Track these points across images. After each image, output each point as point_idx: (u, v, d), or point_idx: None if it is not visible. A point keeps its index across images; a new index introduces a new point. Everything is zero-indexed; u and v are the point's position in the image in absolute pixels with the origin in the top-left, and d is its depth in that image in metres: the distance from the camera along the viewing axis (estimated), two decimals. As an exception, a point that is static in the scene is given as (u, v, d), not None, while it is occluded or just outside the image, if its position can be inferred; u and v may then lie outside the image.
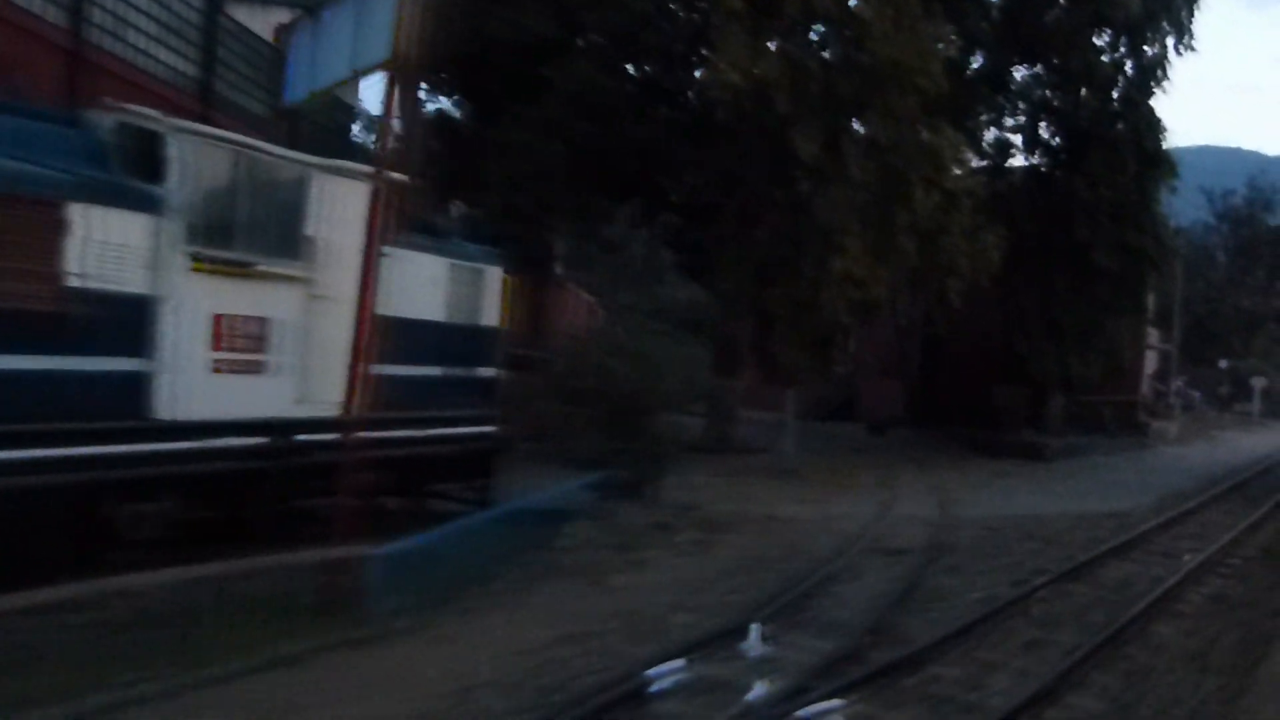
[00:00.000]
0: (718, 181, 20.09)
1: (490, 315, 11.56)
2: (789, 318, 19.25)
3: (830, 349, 20.30)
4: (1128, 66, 25.77)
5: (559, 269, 45.58)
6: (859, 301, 18.40)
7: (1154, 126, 25.25)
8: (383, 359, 9.13)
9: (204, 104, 14.49)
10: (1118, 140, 24.61)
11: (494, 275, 11.66)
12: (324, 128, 18.16)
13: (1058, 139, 26.76)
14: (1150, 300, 42.54)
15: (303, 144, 10.40)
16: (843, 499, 17.65)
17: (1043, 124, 27.45)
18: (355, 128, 25.48)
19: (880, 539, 13.57)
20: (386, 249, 9.19)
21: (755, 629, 8.13)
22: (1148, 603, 10.13)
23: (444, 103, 25.52)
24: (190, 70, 14.92)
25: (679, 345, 17.83)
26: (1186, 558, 13.01)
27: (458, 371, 11.06)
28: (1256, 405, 53.94)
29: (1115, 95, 25.70)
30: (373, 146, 13.07)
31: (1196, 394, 53.19)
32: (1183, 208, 75.33)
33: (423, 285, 10.46)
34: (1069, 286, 25.43)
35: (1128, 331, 27.12)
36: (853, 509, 16.26)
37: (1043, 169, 27.09)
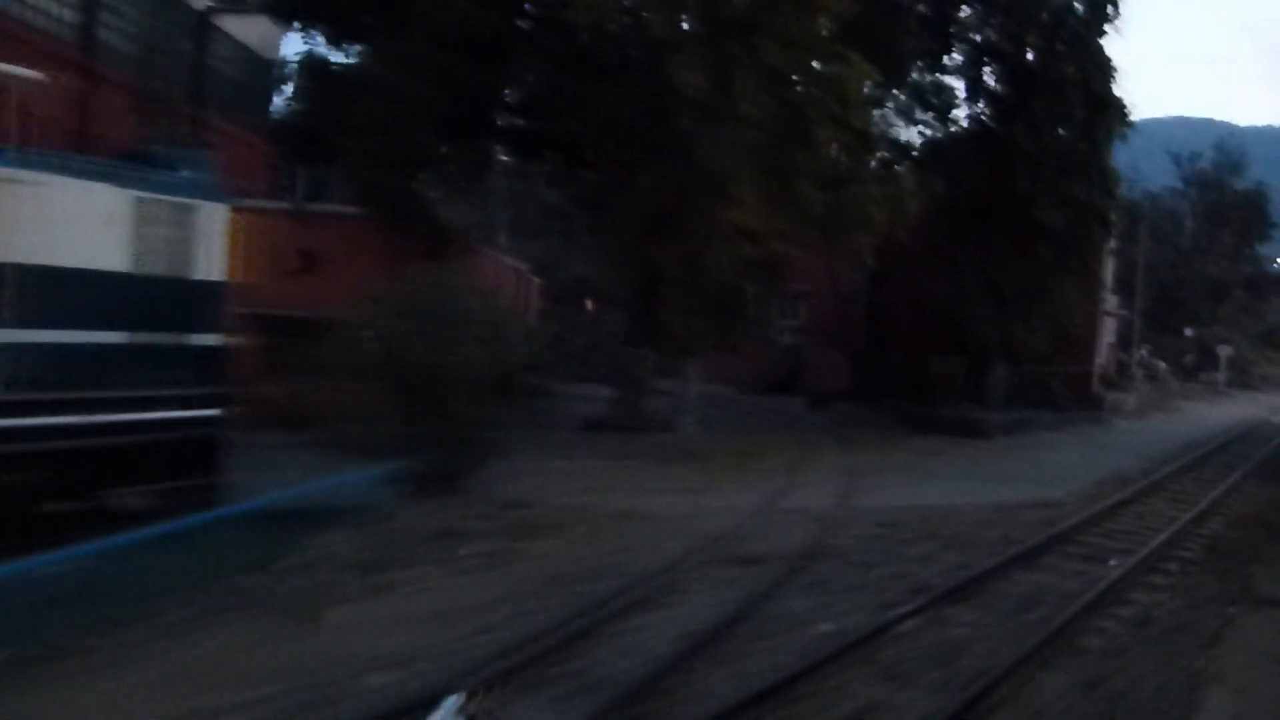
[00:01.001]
0: (600, 124, 17.44)
1: (209, 266, 8.90)
2: (675, 278, 16.68)
3: (728, 315, 17.71)
4: (1076, 2, 23.27)
5: (492, 236, 42.85)
6: (754, 260, 15.83)
7: (1104, 68, 22.77)
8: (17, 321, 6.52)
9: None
10: (1064, 83, 22.10)
11: (213, 214, 8.96)
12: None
13: (1002, 85, 24.21)
14: (1110, 264, 40.34)
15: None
16: (732, 487, 15.19)
17: (987, 69, 24.93)
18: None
19: (743, 542, 11.11)
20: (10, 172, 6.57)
21: (450, 703, 5.62)
22: (1045, 635, 7.70)
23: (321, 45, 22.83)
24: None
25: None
26: (1113, 563, 10.62)
27: (158, 338, 8.41)
28: (1222, 375, 52.02)
29: (1063, 34, 23.18)
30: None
31: (1161, 364, 51.16)
32: (1151, 173, 73.32)
33: (89, 224, 7.79)
34: (1010, 246, 23.02)
35: (1077, 296, 24.70)
36: (735, 500, 13.79)
37: (985, 117, 24.57)
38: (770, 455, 19.46)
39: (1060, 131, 22.42)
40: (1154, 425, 29.62)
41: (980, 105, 24.96)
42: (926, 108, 26.03)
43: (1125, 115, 23.96)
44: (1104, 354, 36.78)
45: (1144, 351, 52.24)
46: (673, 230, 16.26)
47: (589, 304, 46.30)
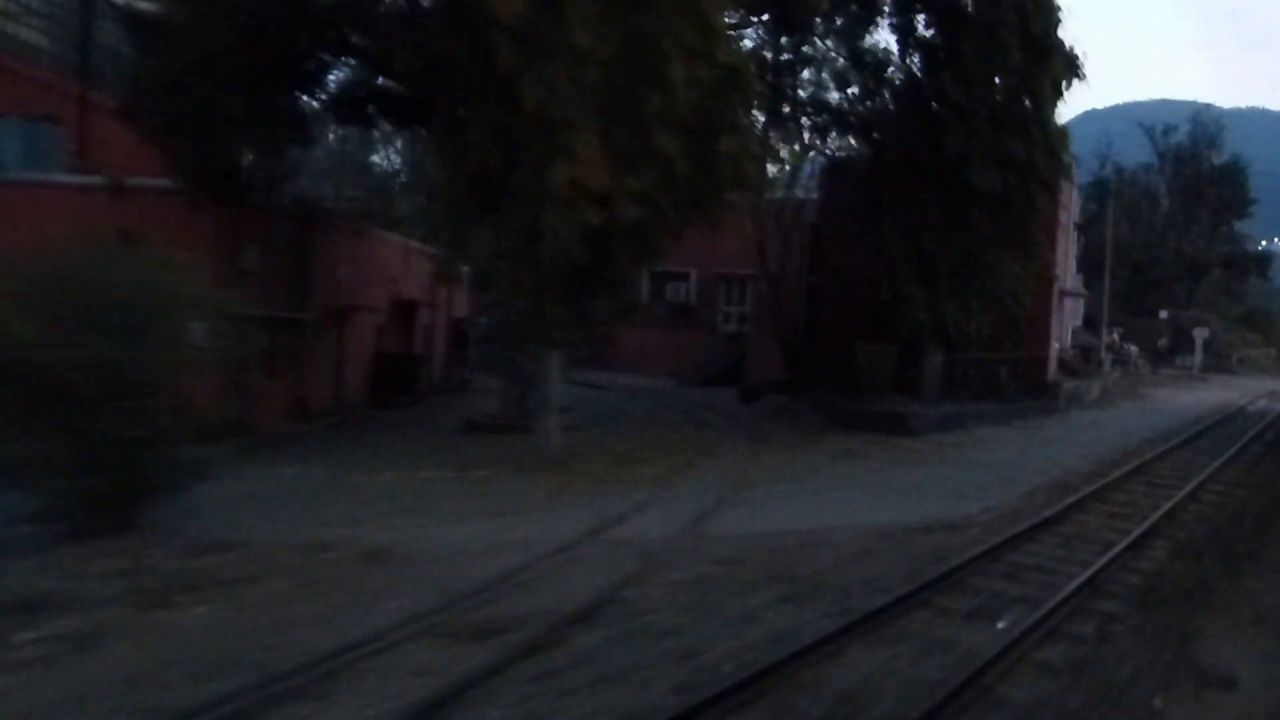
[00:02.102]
0: (423, 70, 14.43)
1: None
2: (512, 252, 13.71)
3: (581, 297, 14.71)
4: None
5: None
6: (601, 228, 12.85)
7: (1045, 8, 19.79)
8: None
9: None
10: (998, 24, 19.12)
11: None
12: None
13: (932, 31, 21.24)
14: (1074, 239, 37.50)
15: None
16: (571, 507, 12.26)
17: (920, 16, 21.94)
18: None
19: (509, 595, 8.17)
20: None
21: None
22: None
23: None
24: None
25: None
26: (1003, 624, 7.71)
27: None
28: (1197, 359, 49.34)
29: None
30: None
31: (1132, 347, 48.44)
32: (1132, 155, 70.65)
33: None
34: (941, 216, 20.09)
35: (1023, 272, 21.80)
36: (556, 527, 10.85)
37: (915, 69, 21.61)
38: (654, 461, 16.57)
39: (996, 81, 19.42)
40: (1116, 416, 26.80)
41: (912, 57, 21.97)
42: (861, 67, 23.13)
43: (1074, 64, 21.01)
44: (1065, 338, 33.97)
45: (1114, 335, 49.54)
46: (506, 195, 13.24)
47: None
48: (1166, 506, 12.75)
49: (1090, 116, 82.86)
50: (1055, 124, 20.74)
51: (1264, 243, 75.28)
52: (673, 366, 40.73)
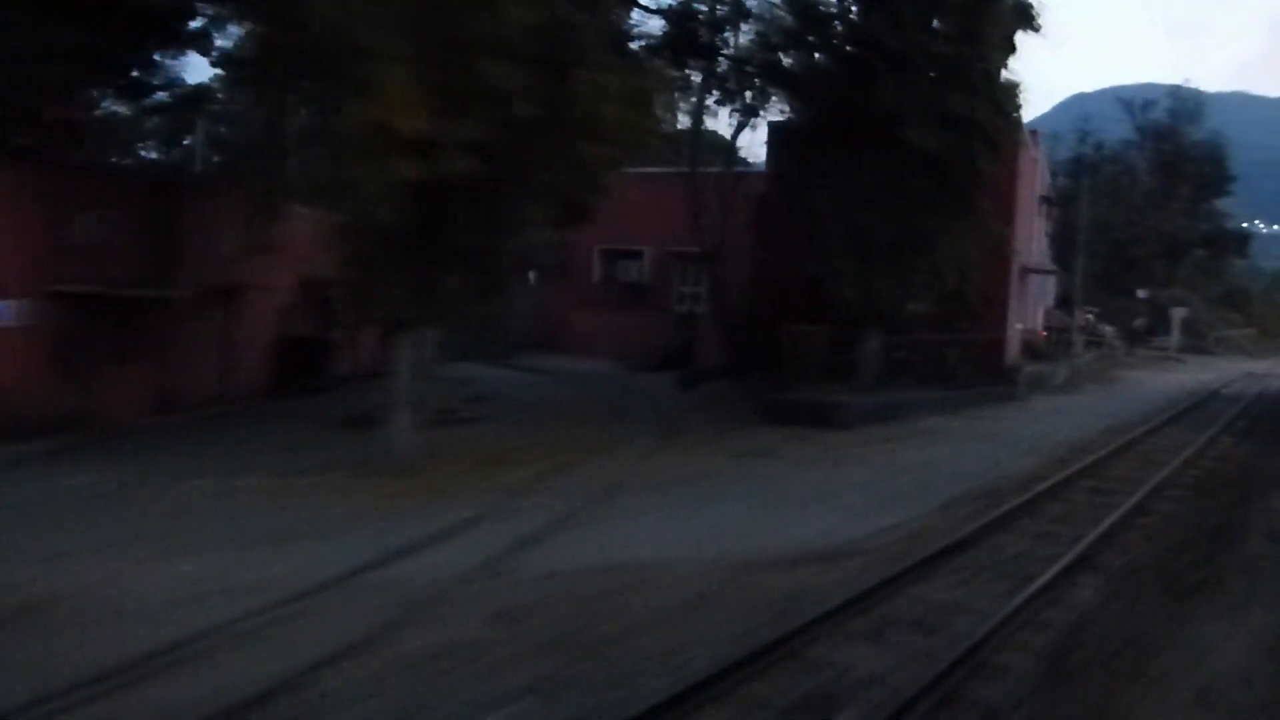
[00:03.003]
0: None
1: None
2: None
3: (421, 270, 12.20)
4: None
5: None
6: (429, 186, 10.41)
7: (990, -60, 17.35)
8: None
9: None
10: (936, -43, 16.70)
11: None
12: None
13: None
14: (1042, 213, 35.06)
15: None
16: (364, 531, 9.86)
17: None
18: None
19: (150, 681, 5.79)
20: None
21: None
22: None
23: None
24: None
25: None
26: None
27: None
28: (1174, 339, 47.18)
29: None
30: None
31: (1108, 328, 46.22)
32: (1111, 130, 68.24)
33: None
34: (876, 180, 17.65)
35: (974, 245, 19.40)
36: (311, 564, 8.46)
37: (851, 13, 19.12)
38: (527, 463, 14.20)
39: (935, 26, 16.98)
40: (1080, 403, 24.54)
41: (850, 2, 19.49)
42: (804, 20, 20.62)
43: (1028, 13, 18.60)
44: (1033, 318, 31.69)
45: (1090, 315, 47.32)
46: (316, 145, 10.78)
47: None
48: (1109, 522, 10.44)
49: (1078, 99, 79.98)
50: (1003, 78, 18.32)
51: (1245, 224, 73.17)
52: (625, 350, 38.36)
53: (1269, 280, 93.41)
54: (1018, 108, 19.61)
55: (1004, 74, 18.81)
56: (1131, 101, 65.45)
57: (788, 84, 19.21)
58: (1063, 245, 47.48)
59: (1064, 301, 43.73)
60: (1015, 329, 27.25)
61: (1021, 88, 19.07)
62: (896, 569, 8.37)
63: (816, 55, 19.23)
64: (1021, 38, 18.74)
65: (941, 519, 10.80)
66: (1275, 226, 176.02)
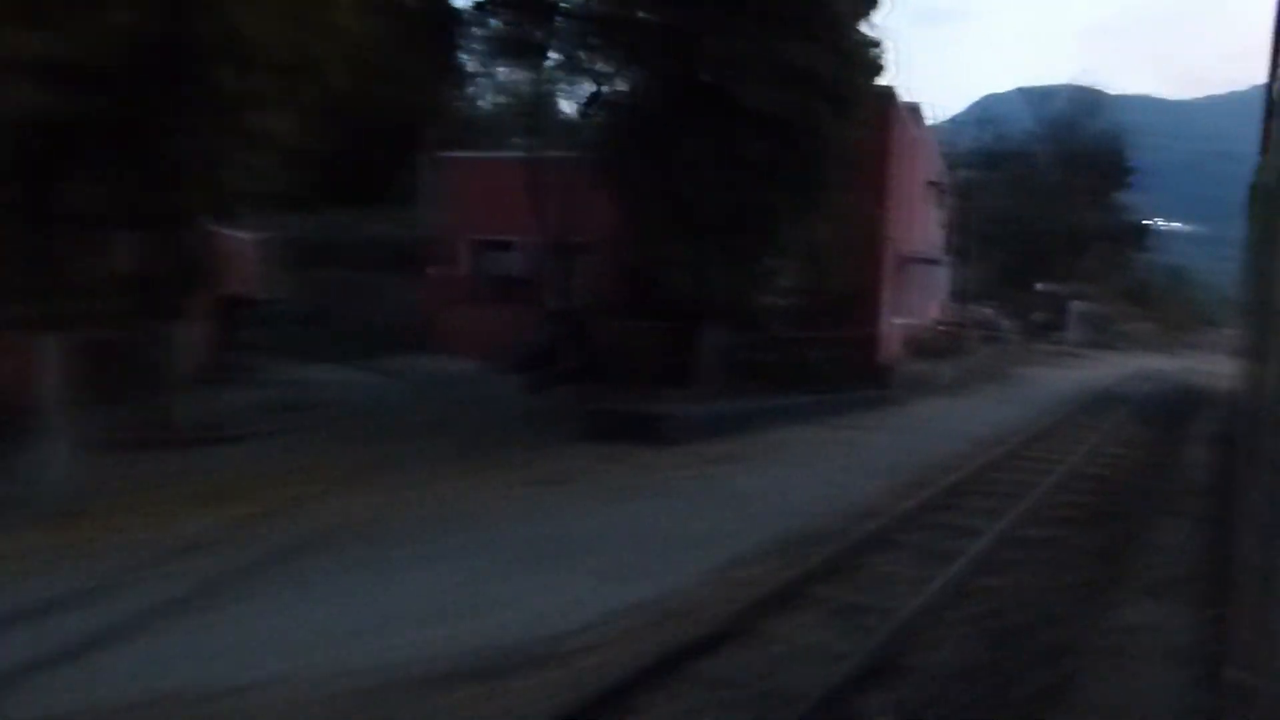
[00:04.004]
0: None
1: None
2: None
3: (29, 248, 8.94)
4: None
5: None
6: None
7: None
8: None
9: None
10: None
11: None
12: None
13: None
14: (935, 200, 32.82)
15: None
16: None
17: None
18: None
19: None
20: None
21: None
22: None
23: None
24: None
25: None
26: None
27: None
28: (1071, 333, 45.70)
29: None
30: None
31: (1006, 322, 44.50)
32: (1013, 121, 67.15)
33: None
34: (706, 148, 14.84)
35: (828, 226, 16.76)
36: None
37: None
38: (256, 497, 11.15)
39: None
40: (962, 406, 22.19)
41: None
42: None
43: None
44: (921, 312, 29.39)
45: (990, 309, 45.61)
46: None
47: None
48: (941, 582, 7.71)
49: (990, 99, 78.75)
50: (854, 27, 15.66)
51: (1147, 220, 72.69)
52: (495, 349, 35.14)
53: (1170, 275, 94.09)
54: (877, 68, 16.99)
55: (862, 28, 16.20)
56: (1034, 93, 64.47)
57: (607, 37, 16.30)
58: (969, 238, 45.78)
59: (967, 296, 41.94)
60: (895, 324, 24.85)
61: (883, 46, 16.46)
62: (610, 682, 5.49)
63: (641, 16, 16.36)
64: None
65: (721, 586, 7.97)
66: (1177, 224, 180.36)
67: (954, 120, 55.82)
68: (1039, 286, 51.77)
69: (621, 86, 16.16)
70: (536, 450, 14.85)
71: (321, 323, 36.59)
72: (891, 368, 22.15)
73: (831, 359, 19.74)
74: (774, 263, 16.45)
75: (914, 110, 26.64)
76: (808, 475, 13.05)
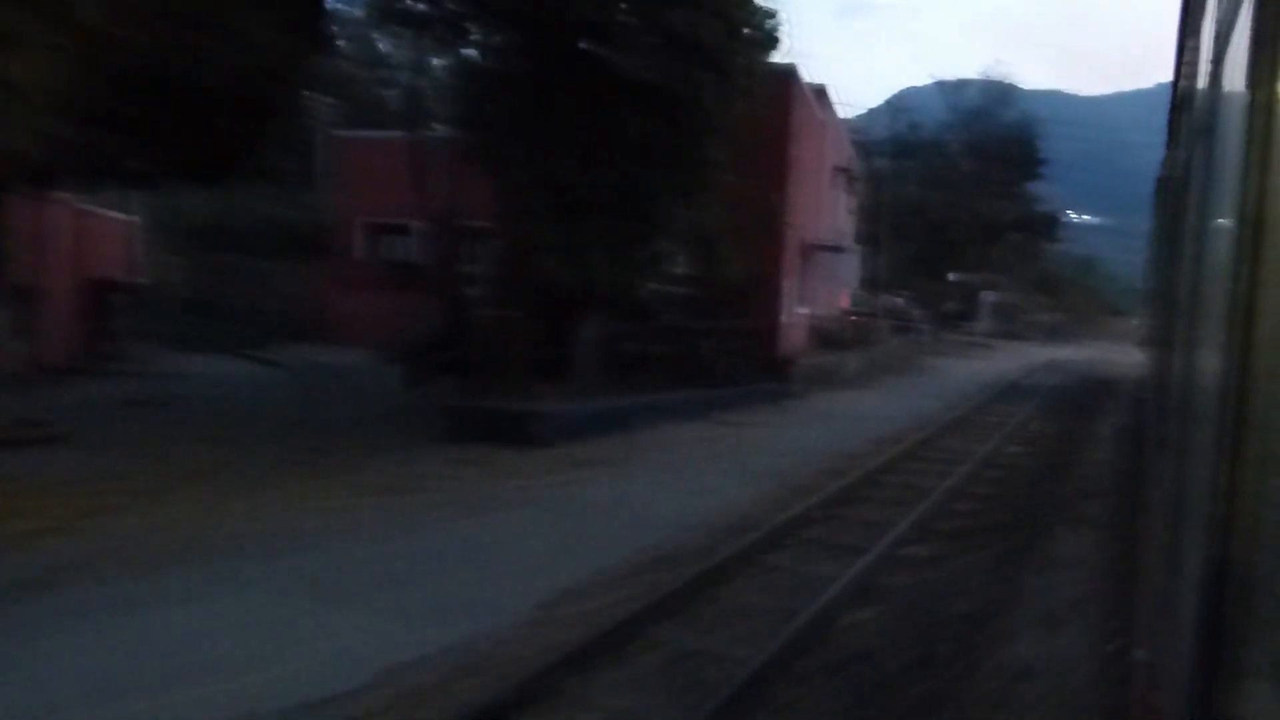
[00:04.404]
0: None
1: None
2: None
3: None
4: None
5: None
6: None
7: None
8: None
9: None
10: None
11: None
12: None
13: None
14: (844, 186, 31.97)
15: None
16: None
17: None
18: None
19: None
20: None
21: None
22: None
23: None
24: None
25: None
26: None
27: None
28: (982, 323, 45.53)
29: None
30: None
31: (918, 312, 44.10)
32: (930, 114, 67.08)
33: None
34: (581, 122, 13.49)
35: (714, 209, 15.55)
36: None
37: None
38: (35, 515, 9.39)
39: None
40: (865, 400, 21.25)
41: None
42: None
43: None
44: (824, 302, 28.49)
45: (901, 299, 45.18)
46: None
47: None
48: (794, 627, 6.50)
49: (908, 93, 78.64)
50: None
51: (1058, 212, 73.38)
52: (390, 338, 33.32)
53: (1079, 265, 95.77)
54: (772, 41, 15.81)
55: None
56: (948, 85, 64.48)
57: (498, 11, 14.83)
58: (882, 227, 45.24)
59: (878, 285, 41.37)
60: (798, 314, 23.86)
61: (779, 18, 15.28)
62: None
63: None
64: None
65: (544, 627, 6.67)
66: (1088, 216, 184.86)
67: (871, 112, 55.32)
68: (952, 276, 51.61)
69: (495, 56, 14.67)
70: (391, 453, 13.39)
71: (210, 310, 34.46)
72: (793, 360, 21.12)
73: (727, 351, 18.60)
74: (661, 248, 15.21)
75: (820, 93, 25.65)
76: (683, 480, 11.83)
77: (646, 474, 12.19)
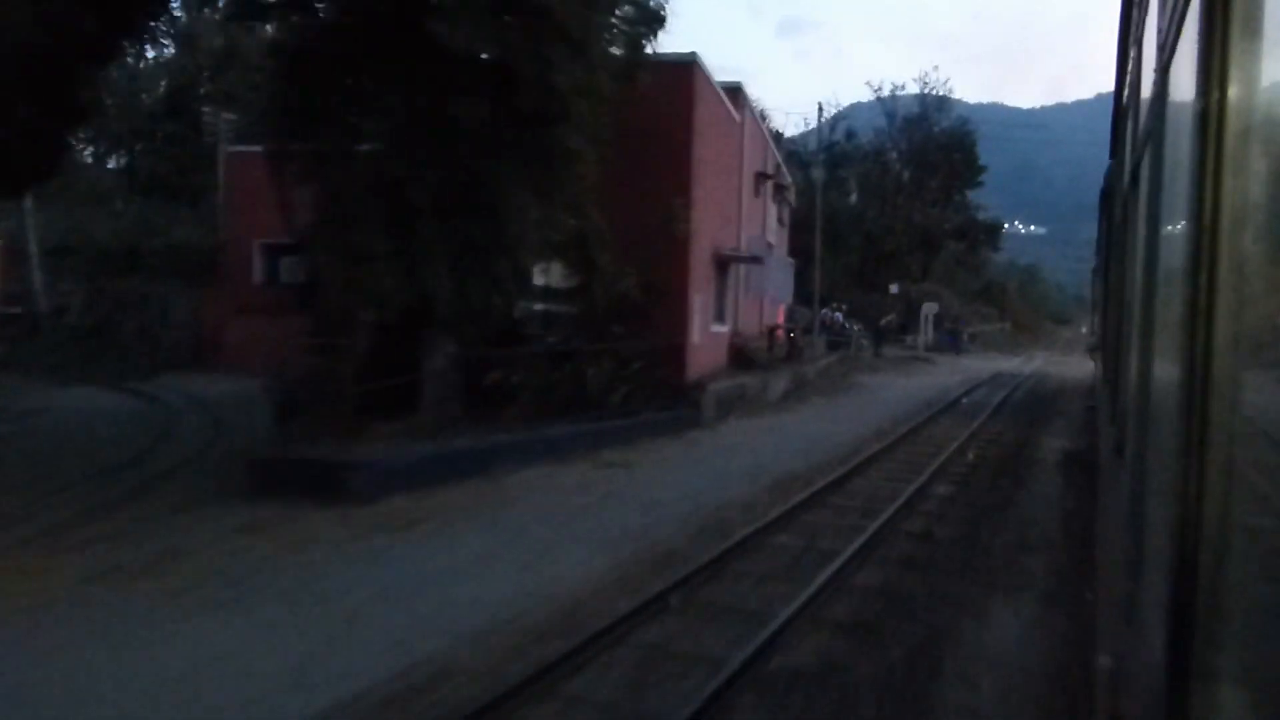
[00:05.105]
0: None
1: None
2: None
3: None
4: None
5: None
6: None
7: None
8: None
9: None
10: None
11: None
12: None
13: None
14: (769, 194, 29.46)
15: None
16: None
17: None
18: None
19: None
20: None
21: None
22: None
23: None
24: None
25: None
26: None
27: None
28: (923, 337, 43.63)
29: None
30: None
31: (855, 326, 42.06)
32: (871, 119, 65.58)
33: None
34: (409, 107, 10.99)
35: (595, 212, 13.12)
36: None
37: None
38: None
39: None
40: (784, 428, 18.91)
41: None
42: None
43: None
44: (745, 317, 26.20)
45: (839, 312, 43.15)
46: None
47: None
48: None
49: (850, 109, 76.93)
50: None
51: (999, 222, 72.18)
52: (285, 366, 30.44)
53: (1022, 274, 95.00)
54: (654, 17, 13.46)
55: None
56: (880, 88, 63.05)
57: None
58: (818, 238, 43.25)
59: (821, 300, 39.33)
60: (715, 332, 21.51)
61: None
62: None
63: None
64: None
65: None
66: (1033, 227, 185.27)
67: (816, 129, 53.33)
68: (893, 288, 49.74)
69: (300, 34, 12.11)
70: (176, 515, 10.72)
71: (103, 337, 31.69)
72: (704, 384, 18.71)
73: (624, 377, 16.15)
74: (523, 258, 12.73)
75: (734, 91, 23.41)
76: (517, 547, 9.30)
77: (475, 538, 9.64)
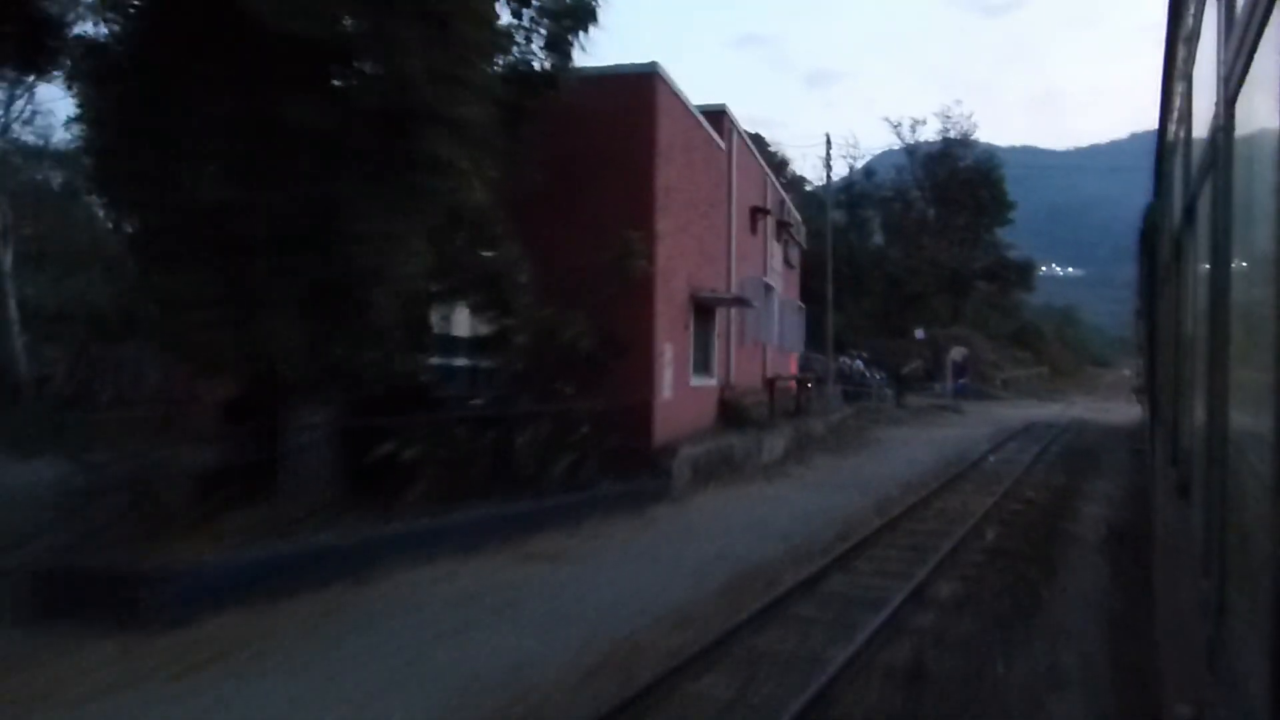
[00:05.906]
0: None
1: None
2: None
3: None
4: None
5: None
6: None
7: None
8: None
9: None
10: None
11: None
12: None
13: None
14: (769, 233, 26.63)
15: None
16: None
17: None
18: None
19: None
20: None
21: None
22: None
23: None
24: None
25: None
26: None
27: None
28: (949, 385, 40.50)
29: None
30: None
31: (875, 375, 39.07)
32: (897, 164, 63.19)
33: None
34: (236, 117, 8.49)
35: (509, 244, 10.51)
36: None
37: None
38: None
39: None
40: (768, 499, 16.09)
41: None
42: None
43: None
44: (743, 369, 23.43)
45: (857, 361, 40.23)
46: None
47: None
48: None
49: (884, 155, 74.75)
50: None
51: (1030, 262, 69.03)
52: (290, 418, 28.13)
53: (1058, 316, 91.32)
54: (585, 10, 10.94)
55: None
56: (899, 124, 60.57)
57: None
58: (840, 282, 40.68)
59: (837, 345, 36.56)
60: (695, 386, 18.76)
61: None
62: None
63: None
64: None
65: None
66: (1070, 269, 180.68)
67: (825, 159, 50.96)
68: (919, 333, 46.71)
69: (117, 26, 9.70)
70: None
71: (84, 404, 29.94)
72: (675, 448, 15.94)
73: (565, 443, 13.44)
74: (419, 303, 10.14)
75: (717, 116, 20.93)
76: (329, 695, 6.56)
77: (282, 683, 6.90)
